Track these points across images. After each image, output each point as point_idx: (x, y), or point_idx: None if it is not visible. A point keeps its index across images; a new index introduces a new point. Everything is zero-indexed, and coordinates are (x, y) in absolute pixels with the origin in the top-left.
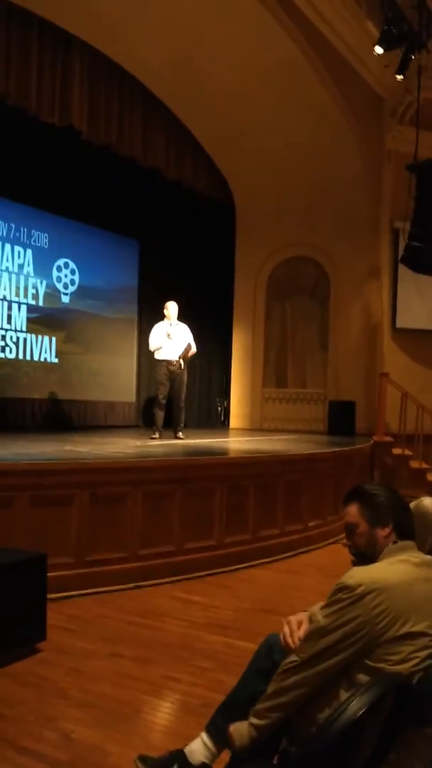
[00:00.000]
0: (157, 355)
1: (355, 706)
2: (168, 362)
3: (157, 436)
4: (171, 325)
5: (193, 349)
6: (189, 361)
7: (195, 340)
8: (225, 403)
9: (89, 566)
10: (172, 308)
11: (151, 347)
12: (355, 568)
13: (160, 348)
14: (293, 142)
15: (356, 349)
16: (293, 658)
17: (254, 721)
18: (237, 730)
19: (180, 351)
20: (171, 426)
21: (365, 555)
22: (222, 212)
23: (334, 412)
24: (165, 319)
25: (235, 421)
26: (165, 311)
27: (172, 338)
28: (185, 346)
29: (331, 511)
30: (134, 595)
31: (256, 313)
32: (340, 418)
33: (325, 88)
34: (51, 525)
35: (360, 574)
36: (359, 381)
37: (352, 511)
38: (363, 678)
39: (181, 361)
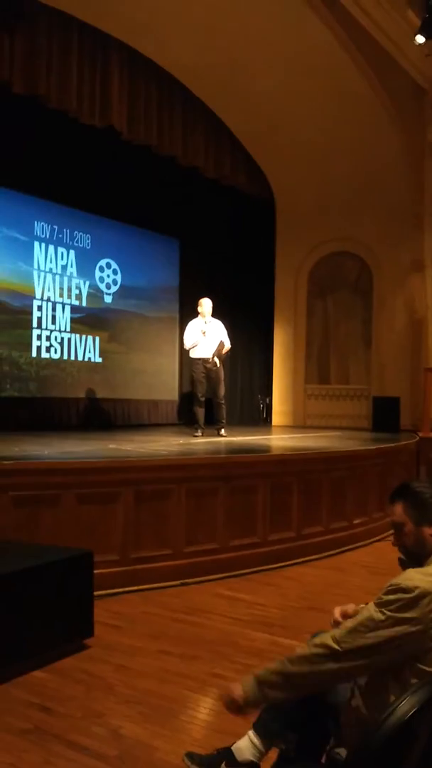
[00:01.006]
0: (192, 354)
1: (405, 707)
2: (204, 360)
3: (200, 433)
4: (206, 322)
5: (227, 346)
6: (228, 357)
7: (236, 338)
8: (267, 400)
9: (134, 563)
10: (206, 305)
11: (186, 345)
12: (411, 571)
13: (195, 346)
14: (333, 135)
15: (400, 343)
16: (331, 643)
17: (267, 691)
18: (246, 683)
19: (214, 348)
20: (213, 423)
21: (413, 554)
22: (262, 208)
23: (379, 408)
24: (199, 317)
25: (277, 418)
26: (199, 308)
27: (206, 336)
28: (218, 344)
29: (377, 508)
30: (179, 593)
31: (297, 309)
32: (385, 415)
33: (365, 79)
34: (97, 523)
35: (417, 577)
36: (404, 376)
37: (398, 509)
38: (413, 680)
39: (216, 359)
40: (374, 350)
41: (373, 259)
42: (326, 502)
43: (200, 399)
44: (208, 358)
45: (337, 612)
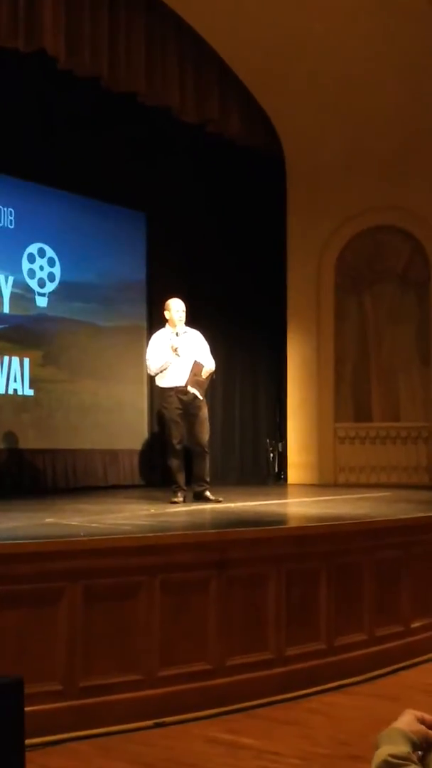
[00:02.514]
0: (161, 381)
1: None
2: (178, 390)
3: (180, 498)
4: (177, 334)
5: (208, 367)
6: (214, 384)
7: (230, 357)
8: (279, 447)
9: (85, 695)
10: (176, 308)
11: (151, 369)
12: None
13: (165, 369)
14: (369, 62)
15: None
16: None
17: None
18: None
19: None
20: (191, 483)
21: None
22: (266, 167)
23: None
24: (167, 326)
25: (295, 473)
26: (166, 313)
27: (181, 353)
28: (191, 364)
29: None
30: (153, 738)
31: (321, 312)
32: None
33: None
34: (28, 635)
35: None
36: None
37: None
38: None
39: (194, 389)
40: None
41: (431, 237)
42: (370, 597)
43: (176, 447)
44: (183, 387)
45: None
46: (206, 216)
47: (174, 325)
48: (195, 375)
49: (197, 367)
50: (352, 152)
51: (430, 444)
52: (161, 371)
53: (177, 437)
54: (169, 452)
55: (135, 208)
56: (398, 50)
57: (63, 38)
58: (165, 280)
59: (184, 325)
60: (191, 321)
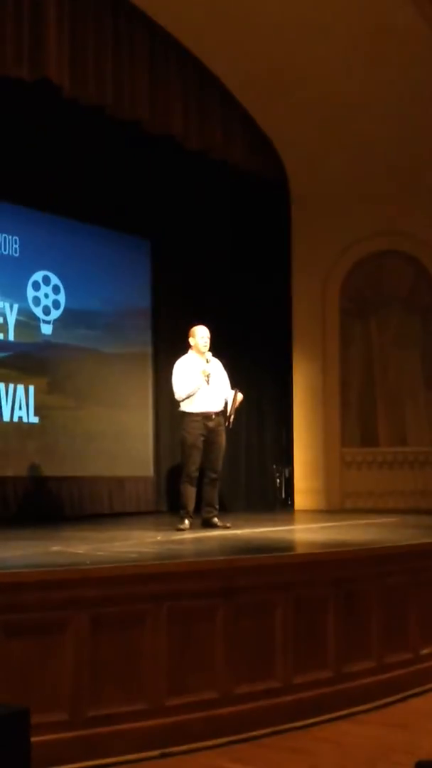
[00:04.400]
0: (187, 406)
1: None
2: (205, 416)
3: (187, 525)
4: (207, 361)
5: (240, 397)
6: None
7: (236, 382)
8: (286, 473)
9: (91, 725)
10: (203, 335)
11: (181, 393)
12: None
13: (193, 394)
14: (371, 85)
15: None
16: None
17: None
18: None
19: (221, 400)
20: (199, 511)
21: None
22: (269, 193)
23: None
24: (191, 351)
25: (301, 498)
26: (191, 340)
27: (210, 380)
28: (233, 395)
29: None
30: None
31: (326, 337)
32: None
33: (416, 7)
34: (34, 665)
35: None
36: None
37: None
38: None
39: (223, 417)
40: None
41: None
42: (378, 624)
43: (192, 474)
44: (211, 414)
45: None
46: (211, 242)
47: (200, 352)
48: (236, 404)
49: (237, 395)
50: (355, 177)
51: None
52: (189, 396)
53: (196, 463)
54: (185, 478)
55: (139, 235)
56: (399, 74)
57: (67, 67)
58: (170, 306)
59: (208, 351)
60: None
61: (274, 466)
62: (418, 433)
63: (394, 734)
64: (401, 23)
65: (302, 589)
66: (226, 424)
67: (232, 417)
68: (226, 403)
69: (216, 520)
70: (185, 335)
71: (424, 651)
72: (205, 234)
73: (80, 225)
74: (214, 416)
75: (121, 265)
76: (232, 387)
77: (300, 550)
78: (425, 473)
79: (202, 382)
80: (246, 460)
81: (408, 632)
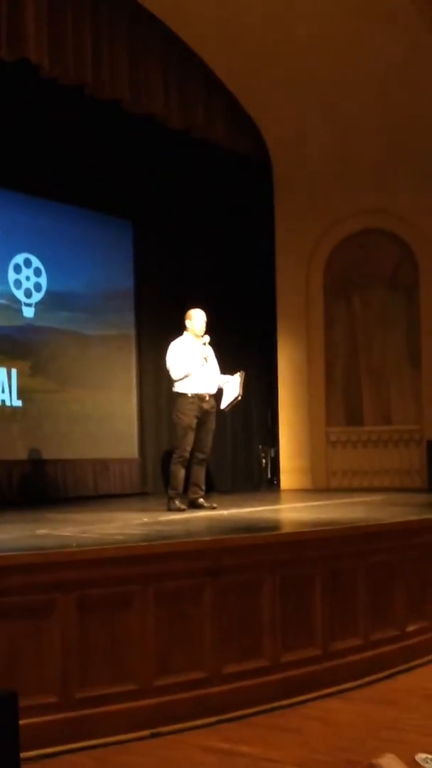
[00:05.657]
0: (182, 387)
1: None
2: (200, 397)
3: (178, 505)
4: (205, 344)
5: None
6: None
7: (221, 363)
8: (272, 453)
9: (80, 707)
10: (200, 318)
11: (177, 374)
12: None
13: (189, 375)
14: (353, 65)
15: None
16: None
17: None
18: None
19: (215, 382)
20: (185, 491)
21: None
22: (252, 173)
23: None
24: (186, 333)
25: (287, 478)
26: (188, 322)
27: (208, 362)
28: (236, 380)
29: None
30: (149, 749)
31: (310, 316)
32: None
33: None
34: (21, 647)
35: None
36: None
37: None
38: None
39: (216, 401)
40: (426, 372)
41: (419, 240)
42: (365, 601)
43: (186, 454)
44: (206, 395)
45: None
46: (193, 223)
47: (196, 334)
48: (237, 399)
49: (242, 377)
50: (338, 156)
51: (421, 447)
52: (185, 377)
53: (190, 444)
54: (177, 459)
55: (121, 216)
56: (382, 53)
57: (46, 47)
58: (152, 288)
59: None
60: (178, 329)
61: (260, 446)
62: (403, 411)
63: (382, 711)
64: (384, 3)
65: (289, 567)
66: (231, 404)
67: (240, 398)
68: (220, 389)
69: (202, 500)
70: (169, 316)
71: (411, 628)
72: (188, 214)
73: (61, 206)
74: (208, 398)
75: (103, 247)
76: (223, 370)
77: (286, 529)
78: (410, 451)
79: (200, 364)
80: (232, 441)
81: (394, 609)
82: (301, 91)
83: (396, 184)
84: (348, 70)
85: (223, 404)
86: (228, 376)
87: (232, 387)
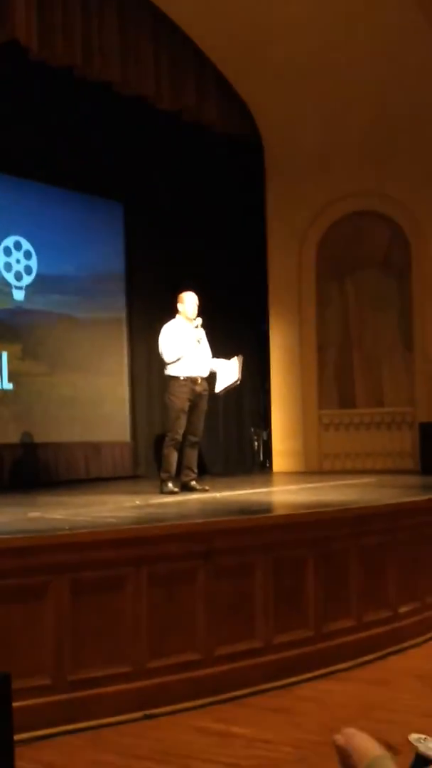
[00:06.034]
0: (174, 369)
1: None
2: (193, 380)
3: (177, 489)
4: (197, 326)
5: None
6: None
7: (213, 345)
8: (264, 436)
9: (74, 689)
10: (191, 301)
11: (170, 357)
12: None
13: (181, 358)
14: (346, 44)
15: None
16: None
17: None
18: None
19: (207, 366)
20: (178, 474)
21: None
22: (244, 154)
23: (428, 439)
24: (178, 316)
25: (280, 461)
26: (180, 306)
27: (201, 343)
28: (234, 365)
29: None
30: (143, 730)
31: (302, 299)
32: None
33: None
34: (14, 630)
35: None
36: None
37: None
38: None
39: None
40: (419, 354)
41: (411, 222)
42: (357, 583)
43: (178, 437)
44: (198, 378)
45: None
46: (185, 205)
47: (188, 317)
48: (235, 382)
49: (240, 362)
50: (330, 138)
51: (414, 429)
52: (177, 360)
53: (182, 427)
54: (169, 442)
55: (112, 198)
56: (375, 33)
57: (35, 28)
58: (144, 270)
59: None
60: (169, 312)
61: (252, 429)
62: (395, 394)
63: (375, 691)
64: None
65: (282, 549)
66: (228, 388)
67: (238, 383)
68: (212, 373)
69: (195, 483)
70: (160, 299)
71: (403, 609)
72: (180, 196)
73: (51, 189)
74: (200, 381)
75: (94, 229)
76: (215, 353)
77: (279, 512)
78: (402, 434)
79: (193, 347)
80: (224, 423)
81: (387, 591)
82: (293, 73)
83: (389, 166)
84: (340, 51)
85: (218, 388)
86: (222, 360)
87: (229, 371)
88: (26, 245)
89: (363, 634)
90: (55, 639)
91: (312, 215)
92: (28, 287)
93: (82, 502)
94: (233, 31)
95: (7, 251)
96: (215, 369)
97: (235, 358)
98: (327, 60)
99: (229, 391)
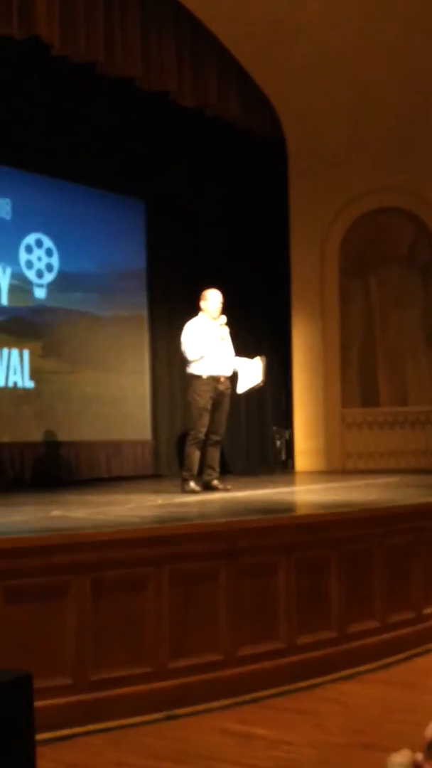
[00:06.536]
0: (198, 368)
1: None
2: (216, 379)
3: (199, 488)
4: (221, 324)
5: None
6: None
7: (235, 343)
8: (287, 435)
9: (95, 689)
10: (215, 299)
11: (192, 355)
12: None
13: (204, 357)
14: (368, 39)
15: None
16: None
17: None
18: None
19: (230, 365)
20: (200, 473)
21: None
22: (267, 151)
23: None
24: (201, 314)
25: (302, 460)
26: (203, 303)
27: (225, 343)
28: (257, 366)
29: None
30: (165, 730)
31: (325, 297)
32: None
33: None
34: (36, 629)
35: None
36: None
37: None
38: None
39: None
40: None
41: None
42: (381, 584)
43: (201, 436)
44: (221, 377)
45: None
46: (207, 202)
47: (212, 316)
48: (259, 383)
49: (263, 362)
50: (353, 133)
51: None
52: (200, 359)
53: (205, 426)
54: (192, 441)
55: (134, 195)
56: (397, 28)
57: (57, 24)
58: (165, 267)
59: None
60: (191, 310)
61: (274, 428)
62: (419, 392)
63: (398, 693)
64: None
65: (305, 550)
66: (251, 389)
67: (262, 385)
68: (235, 371)
69: (216, 482)
70: (182, 297)
71: (427, 610)
72: (201, 193)
73: (73, 186)
74: (223, 379)
75: (116, 227)
76: (237, 351)
77: (301, 512)
78: (426, 433)
79: (216, 345)
80: (246, 422)
81: (411, 592)
82: (316, 68)
83: (412, 161)
84: (363, 44)
85: (241, 388)
86: (244, 359)
87: (252, 372)
88: (48, 243)
89: (387, 636)
90: (77, 638)
91: (335, 211)
92: (49, 285)
93: (104, 500)
94: (255, 26)
95: (29, 249)
96: (237, 368)
97: (258, 358)
98: (350, 55)
99: (251, 392)
